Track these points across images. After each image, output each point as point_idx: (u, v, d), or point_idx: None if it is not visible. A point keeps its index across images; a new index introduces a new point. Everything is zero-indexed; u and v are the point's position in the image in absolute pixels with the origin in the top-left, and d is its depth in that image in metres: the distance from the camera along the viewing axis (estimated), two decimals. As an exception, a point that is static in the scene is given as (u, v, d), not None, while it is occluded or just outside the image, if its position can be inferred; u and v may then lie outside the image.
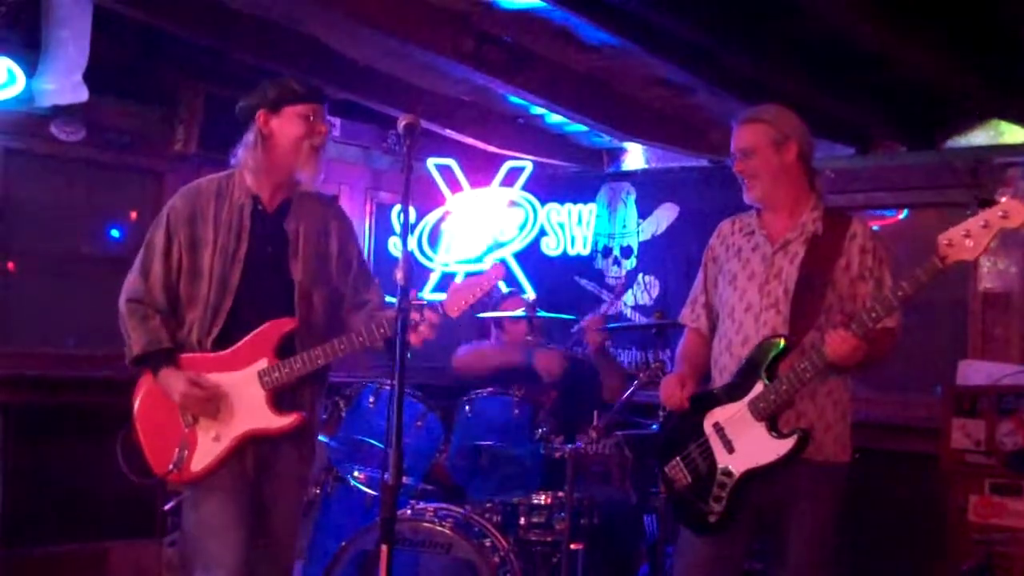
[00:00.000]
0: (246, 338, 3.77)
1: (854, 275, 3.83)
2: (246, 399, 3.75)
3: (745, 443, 3.77)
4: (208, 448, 3.74)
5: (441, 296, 3.89)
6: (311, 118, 3.79)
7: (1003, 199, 3.46)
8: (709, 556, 3.92)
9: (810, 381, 3.68)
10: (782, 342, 3.76)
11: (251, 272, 3.79)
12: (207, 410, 3.74)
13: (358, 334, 3.73)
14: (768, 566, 4.00)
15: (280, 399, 3.78)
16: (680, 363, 4.13)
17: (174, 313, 3.81)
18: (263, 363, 3.76)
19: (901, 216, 6.65)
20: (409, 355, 3.18)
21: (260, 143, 3.80)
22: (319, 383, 3.96)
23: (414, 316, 3.59)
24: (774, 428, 3.74)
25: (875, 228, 6.67)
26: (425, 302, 3.73)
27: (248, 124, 3.82)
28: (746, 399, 3.78)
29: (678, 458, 3.91)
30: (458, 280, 3.90)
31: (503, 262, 3.52)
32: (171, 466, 3.72)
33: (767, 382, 3.74)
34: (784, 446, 3.71)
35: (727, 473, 3.79)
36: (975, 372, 5.69)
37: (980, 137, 6.02)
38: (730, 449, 3.80)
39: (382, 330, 3.69)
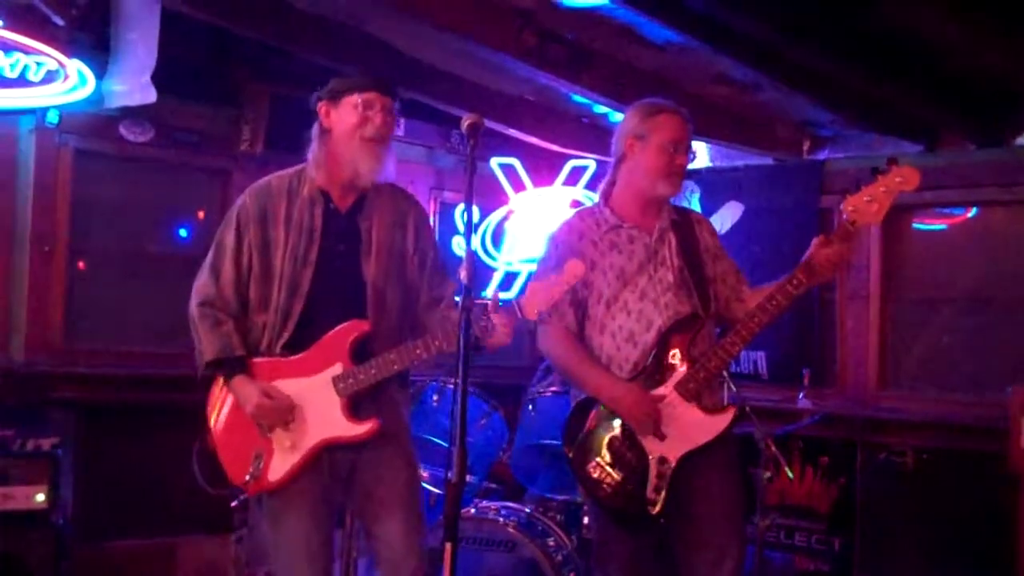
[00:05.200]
0: (319, 341, 3.64)
1: (713, 255, 4.03)
2: (321, 406, 3.63)
3: (678, 427, 3.73)
4: (285, 457, 3.63)
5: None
6: (364, 108, 3.67)
7: (894, 166, 3.58)
8: (644, 545, 3.89)
9: (738, 354, 3.81)
10: (697, 318, 3.81)
11: (323, 274, 3.66)
12: (281, 421, 3.63)
13: (435, 338, 3.54)
14: (681, 546, 3.86)
15: (358, 405, 3.65)
16: (594, 367, 3.87)
17: (244, 315, 3.70)
18: (338, 368, 3.62)
19: (970, 214, 6.54)
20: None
21: (321, 135, 3.73)
22: (401, 383, 3.83)
23: (490, 320, 3.43)
24: (703, 406, 3.74)
25: (944, 227, 6.63)
26: (500, 302, 3.47)
27: (317, 118, 3.76)
28: (671, 383, 3.75)
29: (597, 459, 3.81)
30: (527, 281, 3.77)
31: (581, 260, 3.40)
32: (247, 476, 3.62)
33: (690, 362, 3.74)
34: (722, 422, 3.75)
35: (663, 461, 3.72)
36: (1046, 371, 5.63)
37: (1050, 134, 5.96)
38: (661, 436, 3.73)
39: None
